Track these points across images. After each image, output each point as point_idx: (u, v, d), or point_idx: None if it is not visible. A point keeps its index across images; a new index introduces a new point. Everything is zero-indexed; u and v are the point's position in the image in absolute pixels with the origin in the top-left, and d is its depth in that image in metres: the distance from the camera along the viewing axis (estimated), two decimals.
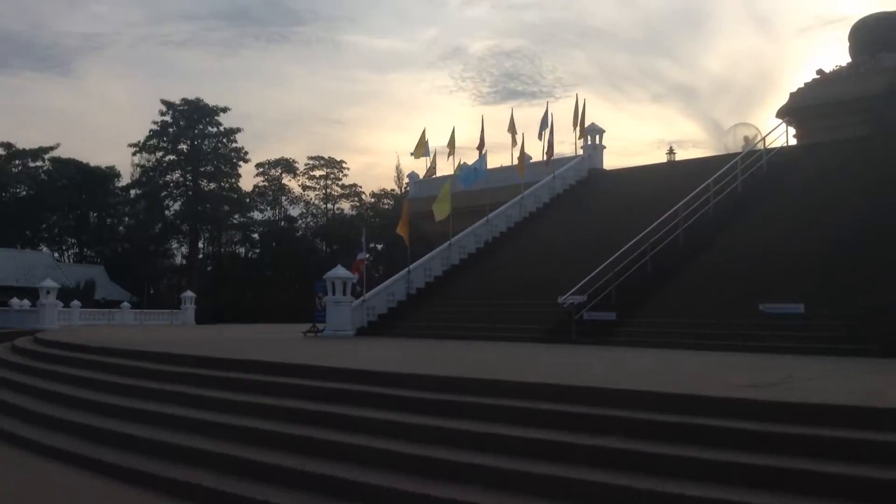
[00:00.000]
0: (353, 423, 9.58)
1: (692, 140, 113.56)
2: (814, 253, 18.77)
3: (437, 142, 48.43)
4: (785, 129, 30.09)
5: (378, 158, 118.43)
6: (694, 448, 7.45)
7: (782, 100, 34.93)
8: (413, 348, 16.98)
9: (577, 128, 32.12)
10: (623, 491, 6.95)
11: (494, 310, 21.77)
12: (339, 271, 23.40)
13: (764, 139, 28.26)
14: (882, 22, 34.71)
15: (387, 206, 78.42)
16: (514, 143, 31.06)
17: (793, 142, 31.97)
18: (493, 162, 34.67)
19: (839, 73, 33.25)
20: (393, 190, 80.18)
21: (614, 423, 8.25)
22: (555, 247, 25.21)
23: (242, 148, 73.98)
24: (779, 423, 7.59)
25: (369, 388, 10.67)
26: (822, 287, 17.10)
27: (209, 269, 76.05)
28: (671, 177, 28.45)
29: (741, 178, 24.54)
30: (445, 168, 35.43)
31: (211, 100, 72.30)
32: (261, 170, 79.81)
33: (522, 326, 20.01)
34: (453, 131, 42.03)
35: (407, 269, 25.59)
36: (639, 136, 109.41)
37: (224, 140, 72.92)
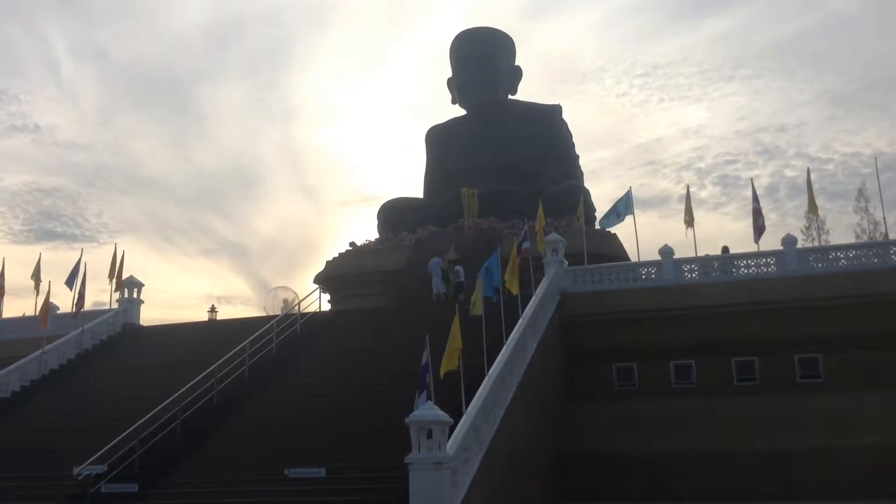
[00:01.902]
0: None
1: (241, 296, 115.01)
2: (339, 415, 19.80)
3: None
4: (319, 295, 32.21)
5: None
6: None
7: (322, 266, 37.32)
8: None
9: (114, 280, 30.45)
10: None
11: None
12: None
13: (299, 304, 29.86)
14: (404, 206, 39.98)
15: None
16: (37, 291, 28.30)
17: (327, 307, 34.31)
18: (16, 309, 31.07)
19: (368, 247, 37.03)
20: None
21: None
22: (77, 409, 22.88)
23: None
24: None
25: None
26: (345, 449, 18.02)
27: None
28: (211, 336, 28.16)
29: (276, 341, 25.32)
30: None
31: None
32: None
33: None
34: None
35: None
36: (188, 289, 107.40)
37: None
